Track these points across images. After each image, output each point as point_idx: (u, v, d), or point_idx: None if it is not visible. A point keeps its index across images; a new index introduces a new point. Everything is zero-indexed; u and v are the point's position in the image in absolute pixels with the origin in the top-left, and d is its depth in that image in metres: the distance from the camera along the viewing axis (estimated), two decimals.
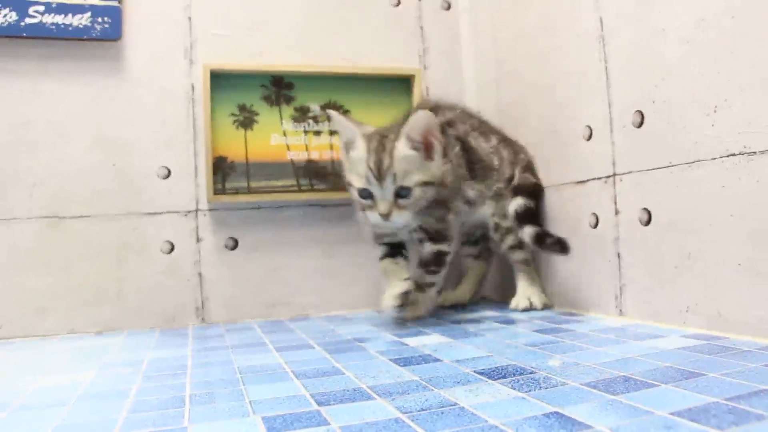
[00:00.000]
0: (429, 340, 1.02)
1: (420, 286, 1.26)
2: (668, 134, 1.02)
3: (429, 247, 1.25)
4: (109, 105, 1.39)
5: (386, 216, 1.12)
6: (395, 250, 1.28)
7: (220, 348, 1.07)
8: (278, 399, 0.70)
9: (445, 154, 1.20)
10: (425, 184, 1.15)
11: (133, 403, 0.72)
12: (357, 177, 1.16)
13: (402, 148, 1.13)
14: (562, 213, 1.30)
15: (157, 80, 1.42)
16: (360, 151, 1.15)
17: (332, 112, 1.22)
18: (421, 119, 1.12)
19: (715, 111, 0.94)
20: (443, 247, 1.25)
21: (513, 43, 1.51)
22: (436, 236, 1.25)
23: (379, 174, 1.12)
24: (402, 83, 1.57)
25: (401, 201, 1.13)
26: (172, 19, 1.44)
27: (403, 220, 1.14)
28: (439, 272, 1.27)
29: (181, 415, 0.66)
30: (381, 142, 1.14)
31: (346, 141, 1.20)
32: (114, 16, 1.35)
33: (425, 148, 1.15)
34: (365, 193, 1.15)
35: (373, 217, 1.14)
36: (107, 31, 1.35)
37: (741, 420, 0.53)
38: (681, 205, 1.00)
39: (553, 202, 1.32)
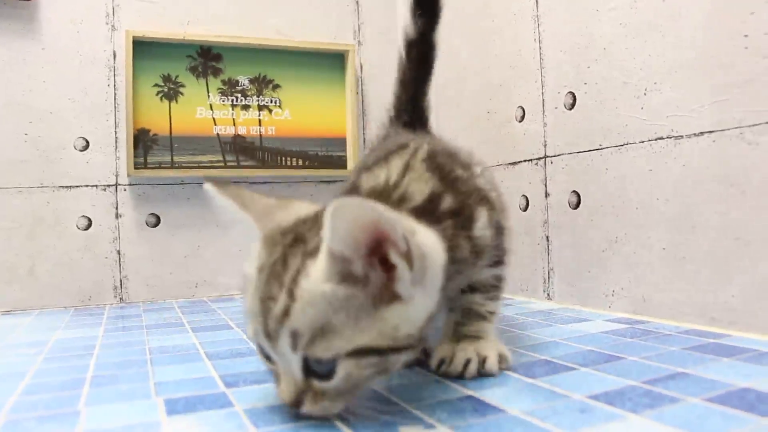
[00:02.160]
0: None
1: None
2: (599, 116, 1.01)
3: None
4: (22, 70, 1.30)
5: (293, 405, 0.51)
6: None
7: (134, 328, 1.02)
8: (185, 381, 0.66)
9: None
10: (370, 352, 0.50)
11: (28, 385, 0.67)
12: (247, 315, 0.54)
13: (318, 279, 0.49)
14: None
15: (75, 46, 1.34)
16: (251, 269, 0.54)
17: (209, 187, 0.58)
18: (353, 212, 0.46)
19: (645, 94, 0.93)
20: None
21: (450, 22, 1.47)
22: None
23: (269, 331, 0.50)
24: (335, 59, 1.52)
25: (318, 383, 0.51)
26: None
27: (323, 412, 0.52)
28: None
29: (77, 397, 0.62)
30: (285, 261, 0.52)
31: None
32: None
33: (378, 275, 0.50)
34: (262, 350, 0.54)
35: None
36: None
37: (656, 403, 0.52)
38: (609, 188, 1.00)
39: None
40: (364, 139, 1.57)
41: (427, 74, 0.98)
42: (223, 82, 1.44)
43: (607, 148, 1.00)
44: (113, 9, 1.37)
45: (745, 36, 0.78)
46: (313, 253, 0.50)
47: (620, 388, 0.57)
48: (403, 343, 0.51)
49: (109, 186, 1.35)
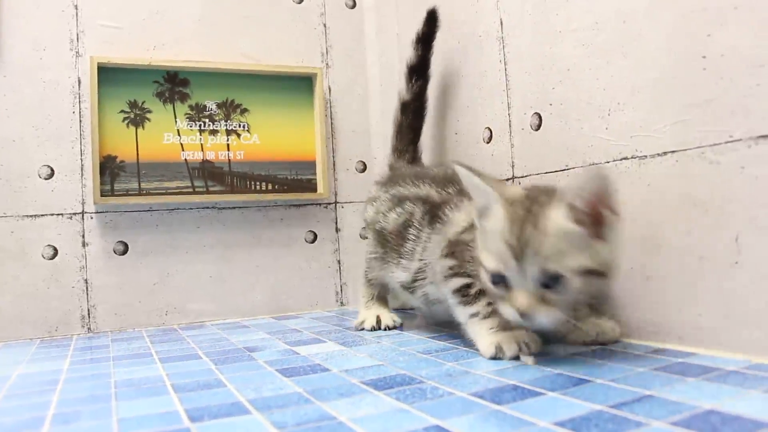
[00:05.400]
0: (323, 349, 0.98)
1: None
2: (565, 137, 1.02)
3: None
4: None
5: (525, 314, 0.76)
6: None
7: (101, 360, 1.00)
8: (149, 416, 0.65)
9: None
10: (588, 272, 0.76)
11: None
12: (488, 255, 0.81)
13: (558, 219, 0.76)
14: None
15: (39, 72, 1.32)
16: (497, 219, 0.81)
17: (460, 168, 0.85)
18: (594, 181, 0.76)
19: (609, 114, 0.94)
20: None
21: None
22: None
23: (519, 253, 0.76)
24: (304, 82, 1.52)
25: (548, 294, 0.76)
26: (57, 7, 1.34)
27: (549, 320, 0.77)
28: None
29: None
30: (529, 209, 0.79)
31: (480, 207, 0.85)
32: None
33: (593, 222, 0.78)
34: (497, 278, 0.80)
35: (507, 311, 0.79)
36: None
37: (621, 428, 0.52)
38: None
39: None
40: (334, 161, 1.57)
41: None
42: (191, 107, 1.43)
43: (574, 168, 1.00)
44: (77, 35, 1.35)
45: (704, 57, 0.79)
46: (551, 206, 0.77)
47: (587, 414, 0.56)
48: (605, 270, 0.78)
49: (75, 214, 1.33)
